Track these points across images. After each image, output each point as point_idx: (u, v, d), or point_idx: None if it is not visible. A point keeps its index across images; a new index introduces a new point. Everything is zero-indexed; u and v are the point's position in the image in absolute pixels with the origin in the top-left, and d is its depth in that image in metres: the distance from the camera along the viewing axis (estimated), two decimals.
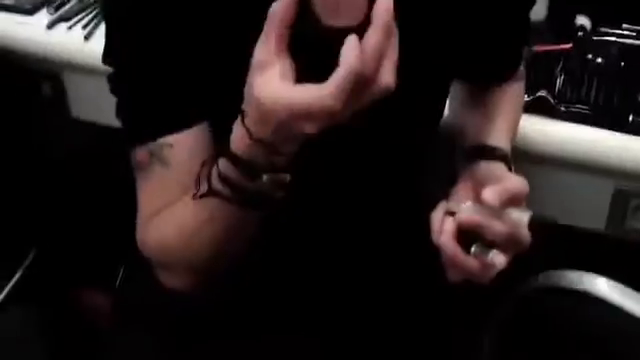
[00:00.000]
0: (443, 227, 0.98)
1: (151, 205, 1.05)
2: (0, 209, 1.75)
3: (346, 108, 0.82)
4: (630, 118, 1.42)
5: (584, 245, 1.50)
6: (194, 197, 0.98)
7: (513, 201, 0.98)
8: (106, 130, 1.14)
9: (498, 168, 1.10)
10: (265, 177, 0.92)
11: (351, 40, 0.81)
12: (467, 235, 0.97)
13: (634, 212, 1.44)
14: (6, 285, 1.78)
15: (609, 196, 1.44)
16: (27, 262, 1.85)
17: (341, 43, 0.81)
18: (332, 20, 0.82)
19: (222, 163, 0.94)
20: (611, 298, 0.95)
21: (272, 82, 0.84)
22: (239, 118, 0.90)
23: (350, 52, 0.80)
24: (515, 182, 1.01)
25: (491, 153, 1.12)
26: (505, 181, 1.01)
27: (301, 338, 1.15)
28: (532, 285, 0.99)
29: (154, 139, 1.01)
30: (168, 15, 0.95)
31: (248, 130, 0.89)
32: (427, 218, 1.01)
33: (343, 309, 1.18)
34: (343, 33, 0.81)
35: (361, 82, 0.81)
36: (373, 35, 0.81)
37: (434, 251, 0.98)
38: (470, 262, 0.95)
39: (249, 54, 0.88)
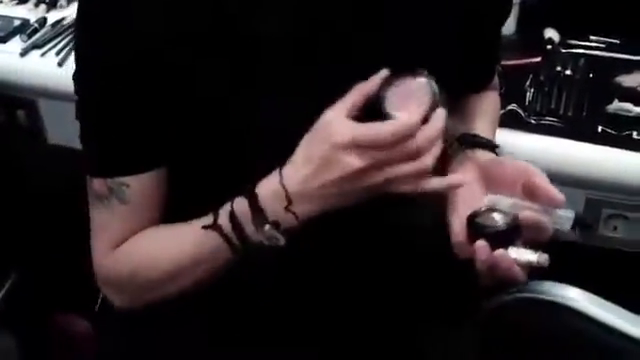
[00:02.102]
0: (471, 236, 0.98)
1: (110, 235, 1.06)
2: None
3: (390, 160, 0.92)
4: (599, 129, 1.44)
5: (557, 255, 1.51)
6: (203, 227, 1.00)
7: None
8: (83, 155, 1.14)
9: (497, 158, 1.11)
10: (267, 228, 0.96)
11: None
12: (476, 233, 0.98)
13: (606, 221, 1.45)
14: None
15: (581, 206, 1.45)
16: (7, 287, 1.85)
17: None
18: (394, 112, 0.94)
19: (238, 201, 0.98)
20: (582, 308, 0.96)
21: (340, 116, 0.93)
22: (278, 169, 0.96)
23: (413, 117, 0.92)
24: (538, 170, 1.02)
25: (482, 141, 1.14)
26: (535, 172, 1.01)
27: (299, 351, 1.15)
28: (505, 296, 0.99)
29: (112, 176, 1.02)
30: (137, 61, 0.95)
31: (281, 174, 0.95)
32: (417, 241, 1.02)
33: (341, 323, 1.17)
34: None
35: (410, 147, 0.92)
36: (436, 121, 0.93)
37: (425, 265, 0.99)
38: (514, 267, 0.96)
39: (214, 100, 0.95)
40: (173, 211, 1.07)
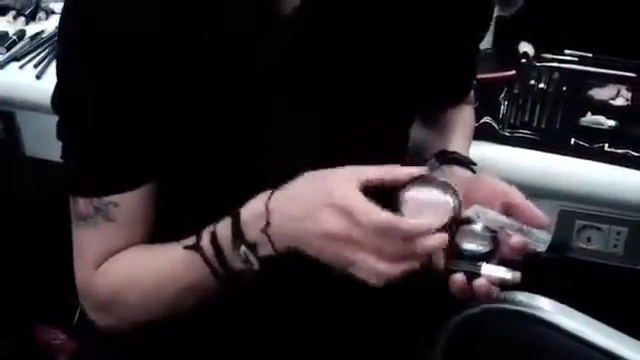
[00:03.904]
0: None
1: (94, 254, 1.05)
2: None
3: (378, 249, 0.89)
4: (572, 141, 1.46)
5: (532, 266, 1.53)
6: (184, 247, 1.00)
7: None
8: (61, 168, 1.14)
9: (475, 176, 1.12)
10: (243, 249, 0.96)
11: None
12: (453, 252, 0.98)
13: (579, 232, 1.47)
14: None
15: (555, 217, 1.47)
16: None
17: None
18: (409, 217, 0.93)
19: (222, 222, 0.98)
20: (551, 318, 0.97)
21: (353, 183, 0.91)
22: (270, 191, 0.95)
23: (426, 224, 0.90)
24: (518, 191, 1.02)
25: (460, 158, 1.14)
26: (516, 194, 1.01)
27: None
28: (477, 306, 1.00)
29: (99, 196, 1.01)
30: (124, 77, 0.94)
31: (270, 197, 0.94)
32: None
33: (321, 345, 1.17)
34: None
35: (407, 249, 0.89)
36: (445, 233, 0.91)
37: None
38: (490, 291, 0.96)
39: (201, 115, 0.95)
40: (162, 231, 1.06)
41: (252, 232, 0.96)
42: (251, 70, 0.97)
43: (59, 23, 0.99)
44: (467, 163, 1.15)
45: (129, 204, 1.01)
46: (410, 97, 1.13)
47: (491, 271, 0.95)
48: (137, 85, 0.95)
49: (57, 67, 1.01)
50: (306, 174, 0.95)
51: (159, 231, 1.07)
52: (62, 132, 1.01)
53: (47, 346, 1.95)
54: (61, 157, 1.02)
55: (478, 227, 0.99)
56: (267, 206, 0.95)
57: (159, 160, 1.00)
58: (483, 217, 0.99)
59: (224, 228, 0.98)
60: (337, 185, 0.91)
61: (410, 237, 0.89)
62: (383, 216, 0.88)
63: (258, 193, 0.97)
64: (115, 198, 1.00)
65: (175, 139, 0.99)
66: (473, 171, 1.15)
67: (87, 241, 1.04)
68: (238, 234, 0.96)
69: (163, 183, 1.04)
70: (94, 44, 0.94)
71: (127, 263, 1.05)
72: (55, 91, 1.00)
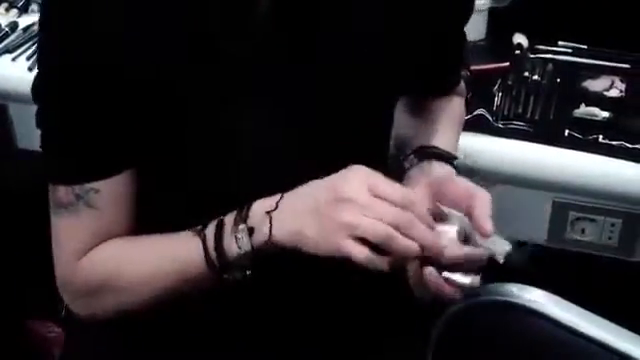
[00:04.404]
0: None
1: (76, 242, 1.04)
2: None
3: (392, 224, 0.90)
4: (566, 132, 1.46)
5: (528, 258, 1.52)
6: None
7: None
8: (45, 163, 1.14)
9: (450, 171, 1.12)
10: (241, 227, 0.97)
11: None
12: None
13: (573, 224, 1.47)
14: None
15: (549, 209, 1.47)
16: None
17: None
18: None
19: (233, 212, 0.98)
20: (547, 310, 0.96)
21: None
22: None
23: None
24: (486, 198, 1.02)
25: (439, 153, 1.14)
26: (481, 200, 1.00)
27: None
28: (470, 298, 1.00)
29: (80, 183, 1.00)
30: (102, 61, 0.94)
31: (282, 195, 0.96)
32: None
33: (307, 342, 1.17)
34: None
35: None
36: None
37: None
38: (446, 287, 0.97)
39: (181, 100, 0.95)
40: (146, 223, 1.06)
41: (256, 215, 0.96)
42: (222, 66, 0.97)
43: (40, 12, 0.99)
44: (448, 158, 1.14)
45: (110, 191, 1.01)
46: (384, 94, 1.13)
47: (451, 275, 0.96)
48: (116, 78, 0.94)
49: (37, 55, 1.02)
50: (311, 185, 0.96)
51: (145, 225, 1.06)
52: (42, 120, 1.00)
53: (42, 339, 1.95)
54: (40, 146, 1.02)
55: (453, 230, 0.98)
56: (280, 197, 0.96)
57: (139, 146, 1.00)
58: (458, 220, 0.99)
59: (232, 215, 0.98)
60: (349, 181, 0.93)
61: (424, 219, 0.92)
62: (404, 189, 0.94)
63: (233, 187, 0.99)
64: (96, 185, 0.99)
65: (151, 128, 0.98)
66: (454, 166, 1.14)
67: (68, 230, 1.03)
68: (242, 217, 0.97)
69: (146, 174, 1.03)
70: (74, 37, 0.93)
71: (117, 251, 1.04)
72: (35, 80, 1.00)
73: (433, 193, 1.03)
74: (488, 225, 0.97)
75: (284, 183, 0.98)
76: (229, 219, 0.99)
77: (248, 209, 0.98)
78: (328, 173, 0.96)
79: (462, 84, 1.30)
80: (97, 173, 1.00)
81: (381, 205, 0.91)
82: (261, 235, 0.96)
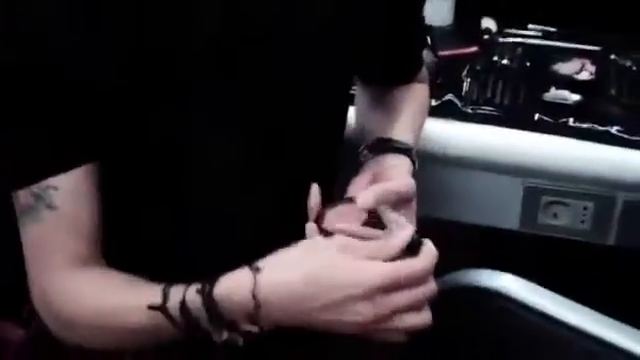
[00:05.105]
0: None
1: (45, 254, 0.99)
2: None
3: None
4: (536, 117, 1.45)
5: (499, 244, 1.52)
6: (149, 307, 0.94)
7: (399, 202, 0.99)
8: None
9: (401, 163, 1.10)
10: (225, 334, 0.92)
11: None
12: None
13: (545, 209, 1.46)
14: None
15: (520, 194, 1.46)
16: None
17: None
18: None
19: (190, 293, 0.92)
20: (517, 295, 0.96)
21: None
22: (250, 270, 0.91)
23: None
24: (400, 183, 1.01)
25: (393, 146, 1.12)
26: (389, 182, 1.01)
27: None
28: (443, 284, 0.99)
29: (37, 181, 0.96)
30: (56, 53, 0.91)
31: (256, 280, 0.89)
32: None
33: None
34: None
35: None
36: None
37: None
38: None
39: (139, 92, 0.93)
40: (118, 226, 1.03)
41: (233, 312, 0.91)
42: (169, 77, 0.95)
43: None
44: (404, 150, 1.12)
45: (70, 188, 0.96)
46: (336, 96, 1.12)
47: None
48: (57, 78, 0.92)
49: None
50: (290, 252, 0.91)
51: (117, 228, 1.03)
52: None
53: (4, 343, 1.92)
54: None
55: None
56: (254, 295, 0.90)
57: (94, 142, 0.97)
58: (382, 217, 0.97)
59: (195, 301, 0.92)
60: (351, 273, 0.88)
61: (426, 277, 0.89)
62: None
63: (194, 201, 1.00)
64: (53, 181, 0.96)
65: (104, 126, 0.96)
66: (410, 157, 1.12)
67: (35, 240, 0.99)
68: (216, 316, 0.92)
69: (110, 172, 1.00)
70: (12, 36, 0.91)
71: (91, 297, 0.99)
72: None
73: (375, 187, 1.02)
74: (360, 195, 0.97)
75: (242, 198, 0.99)
76: (195, 304, 0.92)
77: (215, 305, 0.91)
78: (284, 186, 0.98)
79: (424, 70, 1.28)
80: (52, 167, 0.96)
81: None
82: (247, 328, 0.92)
